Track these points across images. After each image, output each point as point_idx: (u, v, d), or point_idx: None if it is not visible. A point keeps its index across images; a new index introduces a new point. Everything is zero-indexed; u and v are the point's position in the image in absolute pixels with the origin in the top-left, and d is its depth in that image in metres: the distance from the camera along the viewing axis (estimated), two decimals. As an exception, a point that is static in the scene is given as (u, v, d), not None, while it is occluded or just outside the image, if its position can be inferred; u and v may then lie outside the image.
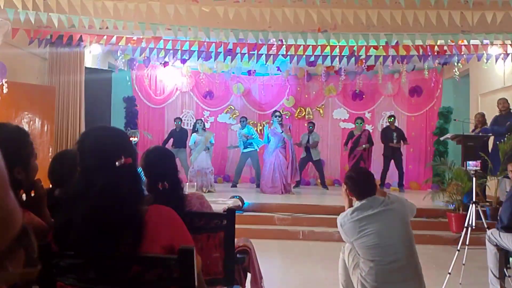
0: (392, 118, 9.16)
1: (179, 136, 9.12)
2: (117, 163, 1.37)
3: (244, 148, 9.07)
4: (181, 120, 9.71)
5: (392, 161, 8.87)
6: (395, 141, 8.79)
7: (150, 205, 1.43)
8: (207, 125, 10.21)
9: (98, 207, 1.31)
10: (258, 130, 10.23)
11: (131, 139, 1.60)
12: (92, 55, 8.07)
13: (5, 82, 5.52)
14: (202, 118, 9.60)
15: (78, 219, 1.31)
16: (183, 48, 6.84)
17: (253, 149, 9.05)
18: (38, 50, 6.50)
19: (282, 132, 8.37)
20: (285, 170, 8.35)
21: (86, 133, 1.51)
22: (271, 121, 8.70)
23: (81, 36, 6.35)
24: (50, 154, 6.02)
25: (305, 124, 9.85)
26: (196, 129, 8.72)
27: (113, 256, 1.30)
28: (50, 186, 2.35)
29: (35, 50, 6.50)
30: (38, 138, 5.80)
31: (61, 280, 1.31)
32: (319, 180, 9.53)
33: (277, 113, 8.63)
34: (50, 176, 2.34)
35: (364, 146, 8.63)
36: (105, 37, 6.40)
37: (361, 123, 8.98)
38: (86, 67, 7.35)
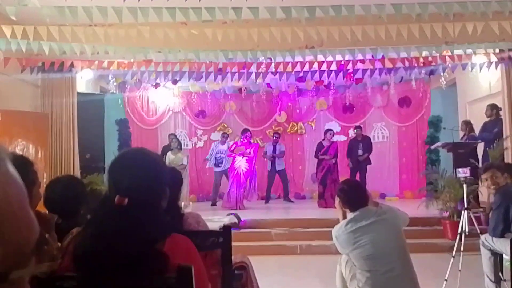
0: (359, 129, 9.25)
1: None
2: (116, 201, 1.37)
3: (217, 167, 9.17)
4: (176, 136, 9.59)
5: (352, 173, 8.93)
6: (360, 152, 8.89)
7: (168, 237, 1.42)
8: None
9: (108, 243, 1.33)
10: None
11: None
12: (84, 80, 8.14)
13: (-2, 110, 5.56)
14: (178, 137, 9.61)
15: (94, 250, 1.33)
16: (174, 70, 6.94)
17: (223, 168, 9.13)
18: (30, 77, 6.55)
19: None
20: (243, 185, 8.38)
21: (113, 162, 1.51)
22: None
23: (72, 62, 6.42)
24: (44, 180, 6.03)
25: (273, 137, 9.67)
26: (171, 147, 8.73)
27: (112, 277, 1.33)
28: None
29: (27, 77, 6.56)
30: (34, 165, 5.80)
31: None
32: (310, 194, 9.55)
33: (248, 134, 8.74)
34: (46, 204, 2.39)
35: (327, 159, 8.55)
36: (96, 62, 6.48)
37: (331, 134, 8.92)
38: (78, 92, 7.40)
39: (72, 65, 6.50)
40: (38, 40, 5.11)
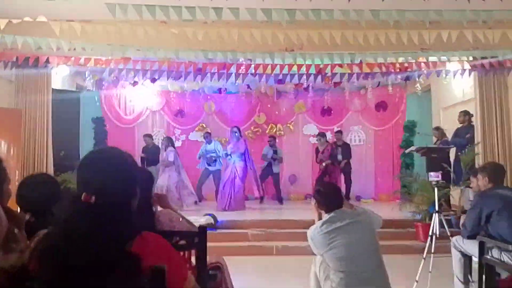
0: (339, 133, 9.36)
1: (153, 153, 9.03)
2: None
3: (208, 165, 9.22)
4: (152, 137, 9.60)
5: (342, 175, 9.09)
6: (339, 157, 9.02)
7: (137, 236, 1.37)
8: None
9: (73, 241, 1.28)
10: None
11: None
12: (60, 76, 7.97)
13: (-31, 105, 5.41)
14: (155, 136, 9.94)
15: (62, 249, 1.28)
16: (153, 68, 6.87)
17: (215, 167, 9.21)
18: (3, 72, 6.38)
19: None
20: (238, 186, 8.21)
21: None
22: (231, 137, 8.73)
23: (48, 58, 6.28)
24: (16, 178, 5.88)
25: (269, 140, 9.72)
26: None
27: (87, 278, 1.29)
28: (19, 210, 2.34)
29: (1, 73, 6.39)
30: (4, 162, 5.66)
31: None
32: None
33: (235, 129, 8.60)
34: (19, 201, 2.33)
35: (324, 163, 8.56)
36: (73, 58, 6.36)
37: (321, 139, 8.92)
38: (53, 89, 7.24)
39: (47, 61, 6.35)
40: (12, 34, 4.98)
